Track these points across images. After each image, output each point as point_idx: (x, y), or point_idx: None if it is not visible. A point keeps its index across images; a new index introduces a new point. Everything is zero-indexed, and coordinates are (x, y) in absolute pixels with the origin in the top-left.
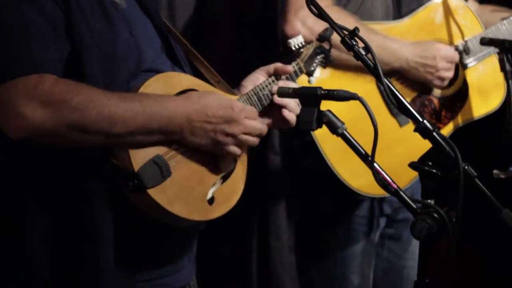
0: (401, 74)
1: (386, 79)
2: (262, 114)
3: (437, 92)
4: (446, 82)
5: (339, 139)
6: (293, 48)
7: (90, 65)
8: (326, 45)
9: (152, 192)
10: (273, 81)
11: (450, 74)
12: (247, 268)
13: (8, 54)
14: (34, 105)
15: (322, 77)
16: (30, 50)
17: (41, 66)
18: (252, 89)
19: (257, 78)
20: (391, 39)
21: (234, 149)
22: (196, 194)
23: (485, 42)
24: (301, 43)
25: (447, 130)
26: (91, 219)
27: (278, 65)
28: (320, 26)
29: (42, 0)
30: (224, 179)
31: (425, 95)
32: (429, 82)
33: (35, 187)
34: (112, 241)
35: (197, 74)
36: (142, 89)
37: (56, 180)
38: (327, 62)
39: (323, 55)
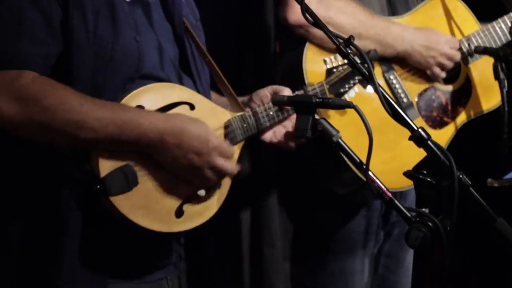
0: (406, 62)
1: (381, 87)
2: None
3: (442, 87)
4: (444, 73)
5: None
6: (328, 67)
7: (80, 64)
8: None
9: (114, 199)
10: None
11: (450, 63)
12: (239, 276)
13: None
14: (7, 98)
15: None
16: (17, 45)
17: (24, 61)
18: (263, 106)
19: (266, 96)
20: (395, 23)
21: (196, 181)
22: (163, 205)
23: (480, 50)
24: (340, 61)
25: (454, 125)
26: (58, 213)
27: (282, 92)
28: (323, 11)
29: None
30: (205, 193)
31: (432, 90)
32: (430, 68)
33: (9, 181)
34: (79, 235)
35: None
36: (130, 96)
37: (28, 175)
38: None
39: (361, 78)
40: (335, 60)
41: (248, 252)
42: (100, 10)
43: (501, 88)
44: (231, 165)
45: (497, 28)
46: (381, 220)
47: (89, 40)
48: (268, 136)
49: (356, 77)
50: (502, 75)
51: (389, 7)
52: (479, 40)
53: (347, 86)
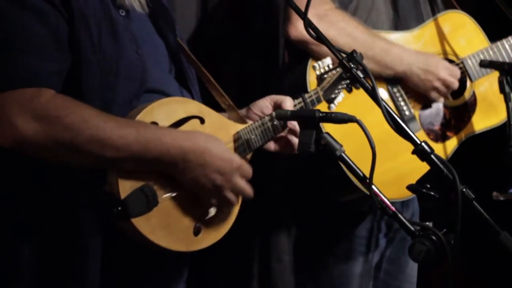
0: (404, 83)
1: (384, 102)
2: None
3: (446, 102)
4: (440, 97)
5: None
6: (317, 73)
7: (89, 79)
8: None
9: (135, 220)
10: None
11: (445, 89)
12: None
13: (8, 65)
14: (27, 117)
15: None
16: (30, 62)
17: (40, 79)
18: (268, 116)
19: (266, 106)
20: (395, 44)
21: (214, 201)
22: (182, 225)
23: (485, 64)
24: (328, 66)
25: (457, 139)
26: (79, 236)
27: (283, 101)
28: (323, 28)
29: (45, 9)
30: (216, 211)
31: (436, 104)
32: (427, 91)
33: (28, 202)
34: (99, 256)
35: (208, 95)
36: (144, 112)
37: (47, 196)
38: (354, 87)
39: (348, 81)
40: (323, 66)
41: (257, 267)
42: (101, 23)
43: (507, 102)
44: (249, 189)
45: (507, 46)
46: (385, 227)
47: (96, 55)
48: (272, 144)
49: (343, 82)
50: (507, 89)
51: (397, 19)
52: (487, 58)
53: (336, 91)
